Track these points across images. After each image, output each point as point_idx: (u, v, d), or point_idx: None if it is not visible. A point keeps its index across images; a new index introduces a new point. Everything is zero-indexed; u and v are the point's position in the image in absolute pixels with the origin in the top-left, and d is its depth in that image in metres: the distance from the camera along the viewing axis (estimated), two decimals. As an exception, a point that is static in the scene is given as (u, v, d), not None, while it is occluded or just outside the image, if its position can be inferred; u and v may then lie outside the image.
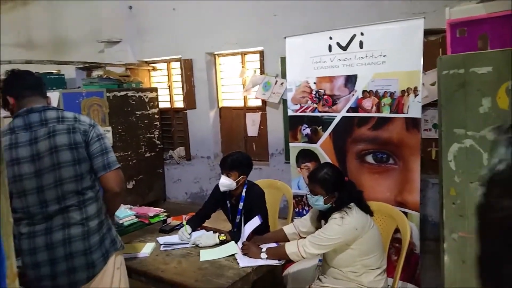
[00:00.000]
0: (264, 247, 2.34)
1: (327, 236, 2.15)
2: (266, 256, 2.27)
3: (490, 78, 1.87)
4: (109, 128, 4.86)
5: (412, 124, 2.62)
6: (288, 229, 2.54)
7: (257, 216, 2.52)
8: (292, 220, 3.16)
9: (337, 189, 2.24)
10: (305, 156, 3.20)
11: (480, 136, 1.91)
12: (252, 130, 5.44)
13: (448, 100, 1.98)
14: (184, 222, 2.70)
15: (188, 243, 2.53)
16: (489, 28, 2.10)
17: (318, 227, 2.44)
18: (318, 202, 2.26)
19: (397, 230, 2.58)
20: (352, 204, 2.23)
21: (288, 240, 2.49)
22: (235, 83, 5.60)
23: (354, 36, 2.79)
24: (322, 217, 2.36)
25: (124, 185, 1.88)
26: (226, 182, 2.64)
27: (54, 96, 4.33)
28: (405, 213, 2.59)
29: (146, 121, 5.67)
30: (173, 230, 2.80)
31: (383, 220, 2.62)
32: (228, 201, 2.78)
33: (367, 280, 2.22)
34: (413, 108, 2.59)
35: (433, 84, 4.05)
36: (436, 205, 4.14)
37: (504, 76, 1.84)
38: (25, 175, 1.67)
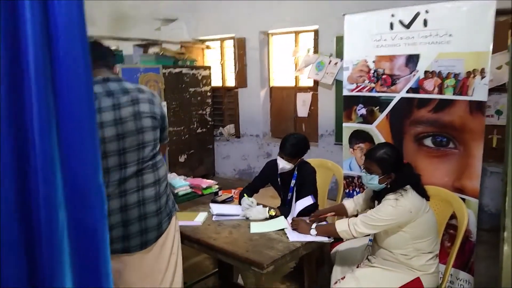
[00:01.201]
0: (314, 224, 2.35)
1: (380, 216, 2.12)
2: (316, 232, 2.29)
3: None
4: (164, 103, 5.03)
5: (477, 107, 2.49)
6: (349, 203, 2.55)
7: (310, 196, 2.53)
8: (342, 202, 3.16)
9: (394, 170, 2.19)
10: (359, 137, 3.14)
11: (553, 122, 1.80)
12: (302, 110, 5.41)
13: (520, 82, 1.87)
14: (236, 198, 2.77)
15: (238, 215, 2.59)
16: None
17: (371, 207, 2.41)
18: (373, 181, 2.22)
19: (452, 217, 2.50)
20: (408, 186, 2.17)
21: (348, 215, 2.52)
22: (287, 62, 5.57)
23: (418, 14, 2.67)
24: (376, 198, 2.34)
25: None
26: (286, 167, 2.65)
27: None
28: (463, 200, 2.49)
29: (198, 98, 5.79)
30: (224, 202, 2.88)
31: (440, 205, 2.54)
32: (279, 178, 2.81)
33: (418, 263, 2.17)
34: (479, 91, 2.46)
35: (499, 68, 3.82)
36: (493, 195, 3.95)
37: None
38: (108, 138, 1.73)
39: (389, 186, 2.22)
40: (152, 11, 6.36)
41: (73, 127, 0.78)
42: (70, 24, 0.75)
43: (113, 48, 5.46)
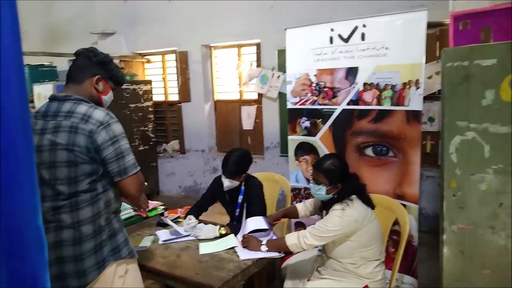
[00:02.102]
0: (264, 239, 2.33)
1: (328, 227, 2.15)
2: (267, 248, 2.26)
3: (494, 71, 1.87)
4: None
5: (413, 116, 2.61)
6: (300, 205, 2.61)
7: (262, 218, 2.48)
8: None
9: (341, 181, 2.23)
10: (304, 149, 3.18)
11: (483, 129, 1.92)
12: (247, 123, 5.42)
13: (452, 93, 1.98)
14: (182, 218, 2.68)
15: (188, 235, 2.50)
16: (492, 21, 2.10)
17: (319, 214, 2.45)
18: (320, 191, 2.25)
19: (395, 223, 2.59)
20: (354, 196, 2.22)
21: (298, 216, 2.57)
22: (230, 76, 5.56)
23: (356, 28, 2.77)
24: (323, 208, 2.36)
25: (143, 187, 1.74)
26: (230, 184, 2.62)
27: (47, 88, 4.25)
28: (404, 206, 2.59)
29: (140, 114, 5.61)
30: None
31: (382, 212, 2.61)
32: (227, 194, 2.76)
33: (365, 271, 2.22)
34: (414, 101, 2.58)
35: (429, 78, 4.06)
36: (430, 198, 4.17)
37: (508, 68, 1.84)
38: None
39: (336, 196, 2.25)
40: (88, 25, 6.10)
41: (7, 160, 0.68)
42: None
43: (46, 63, 5.20)
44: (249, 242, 2.31)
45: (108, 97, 1.80)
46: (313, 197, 2.55)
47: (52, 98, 1.68)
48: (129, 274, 1.76)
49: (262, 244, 2.27)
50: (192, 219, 2.59)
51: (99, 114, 1.61)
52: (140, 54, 6.16)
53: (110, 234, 1.70)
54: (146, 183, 2.01)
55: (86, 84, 1.71)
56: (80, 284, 1.63)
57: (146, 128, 5.74)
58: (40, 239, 0.72)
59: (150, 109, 5.79)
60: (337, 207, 2.19)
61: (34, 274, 0.70)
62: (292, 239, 2.22)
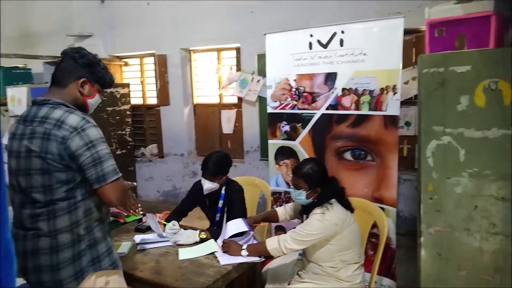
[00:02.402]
0: (245, 244, 2.32)
1: (308, 231, 2.16)
2: (247, 253, 2.25)
3: (468, 77, 1.93)
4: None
5: (391, 121, 2.66)
6: (280, 210, 2.60)
7: (242, 219, 2.48)
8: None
9: (320, 185, 2.25)
10: (284, 153, 3.20)
11: (458, 133, 1.97)
12: (227, 127, 5.41)
13: (428, 98, 2.03)
14: (164, 222, 2.63)
15: (168, 241, 2.47)
16: (467, 29, 2.16)
17: (299, 218, 2.46)
18: (300, 196, 2.26)
19: (373, 226, 2.62)
20: (333, 200, 2.24)
21: (278, 219, 2.57)
22: (210, 79, 5.55)
23: (334, 34, 2.81)
24: (304, 212, 2.37)
25: (124, 196, 1.63)
26: (211, 187, 2.60)
27: (21, 91, 4.14)
28: (382, 209, 2.63)
29: (117, 117, 5.53)
30: (149, 229, 2.73)
31: (361, 215, 2.65)
32: (207, 199, 2.74)
33: (345, 274, 2.24)
34: (392, 106, 2.64)
35: (406, 83, 4.15)
36: (407, 201, 4.24)
37: (482, 75, 1.90)
38: (12, 170, 1.55)
39: (315, 200, 2.27)
40: (64, 27, 5.99)
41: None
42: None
43: (20, 66, 5.07)
44: (229, 247, 2.30)
45: (94, 101, 1.73)
46: (293, 201, 2.56)
47: (33, 103, 1.63)
48: (110, 286, 1.68)
49: (243, 249, 2.26)
50: (176, 225, 2.56)
51: (73, 119, 1.54)
52: (117, 57, 6.07)
53: (90, 244, 1.63)
54: (135, 183, 1.98)
55: (71, 88, 1.65)
56: None
57: (123, 132, 5.65)
58: (8, 253, 0.69)
59: (128, 112, 5.70)
60: (317, 211, 2.21)
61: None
62: (272, 243, 2.22)
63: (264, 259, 2.33)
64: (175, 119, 5.67)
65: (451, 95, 1.97)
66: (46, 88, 4.55)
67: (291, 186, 2.32)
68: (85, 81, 1.66)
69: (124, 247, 2.40)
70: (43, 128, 1.53)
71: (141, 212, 2.87)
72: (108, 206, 1.65)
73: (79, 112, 1.61)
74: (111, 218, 2.73)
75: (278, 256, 2.35)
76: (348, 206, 2.29)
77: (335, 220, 2.17)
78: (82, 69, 1.65)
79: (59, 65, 1.67)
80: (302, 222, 2.39)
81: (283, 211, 2.60)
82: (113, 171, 1.57)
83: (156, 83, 5.75)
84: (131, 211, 1.98)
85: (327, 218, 2.16)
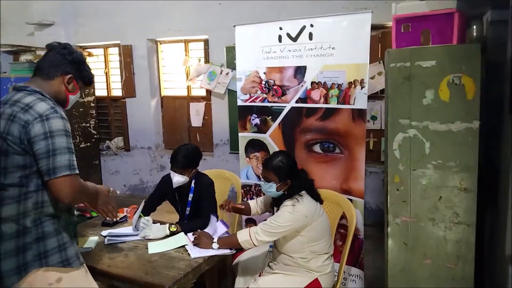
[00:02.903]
0: (216, 237, 2.31)
1: (279, 223, 2.18)
2: (218, 246, 2.25)
3: (433, 72, 1.98)
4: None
5: (358, 115, 2.71)
6: (253, 204, 2.62)
7: (220, 222, 2.47)
8: (240, 211, 3.17)
9: (290, 177, 2.27)
10: (254, 146, 3.20)
11: (423, 126, 2.03)
12: (196, 120, 5.35)
13: (395, 92, 2.08)
14: (139, 212, 2.56)
15: (136, 235, 2.42)
16: (431, 25, 2.22)
17: (270, 211, 2.47)
18: (271, 189, 2.28)
19: (342, 217, 2.68)
20: (303, 192, 2.27)
21: (250, 212, 2.60)
22: (178, 71, 5.46)
23: (304, 27, 2.82)
24: (274, 204, 2.39)
25: (76, 194, 1.55)
26: (180, 180, 2.57)
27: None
28: (350, 200, 2.69)
29: (81, 109, 5.37)
30: (117, 223, 2.68)
31: (330, 207, 2.70)
32: (176, 193, 2.71)
33: (315, 265, 2.28)
34: (359, 100, 2.68)
35: (372, 78, 4.25)
36: (373, 193, 4.36)
37: (446, 69, 1.96)
38: None
39: (286, 192, 2.29)
40: (23, 15, 5.70)
41: None
42: None
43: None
44: (200, 239, 2.29)
45: (75, 97, 1.78)
46: (264, 194, 2.57)
47: (13, 88, 1.65)
48: (63, 283, 1.62)
49: (214, 242, 2.26)
50: (150, 221, 2.51)
51: (41, 106, 1.54)
52: (81, 47, 5.86)
53: (38, 238, 1.57)
54: (118, 192, 1.93)
55: (56, 81, 1.69)
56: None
57: (87, 124, 5.49)
58: None
59: (92, 104, 5.55)
60: (287, 203, 2.23)
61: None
62: (243, 235, 2.22)
63: (235, 252, 2.33)
64: (141, 112, 5.55)
65: (417, 89, 2.02)
66: (6, 78, 4.32)
67: (262, 179, 2.33)
68: (71, 77, 1.72)
69: (90, 242, 2.34)
70: (11, 110, 1.53)
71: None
72: (62, 201, 1.56)
73: (51, 102, 1.60)
74: (76, 212, 2.66)
75: (249, 248, 2.36)
76: (317, 198, 2.32)
77: (305, 212, 2.19)
78: (70, 65, 1.71)
79: (45, 58, 1.71)
80: (273, 214, 2.41)
81: (255, 205, 2.61)
82: (66, 166, 1.51)
83: (121, 75, 5.60)
84: (108, 217, 1.93)
85: (297, 210, 2.18)
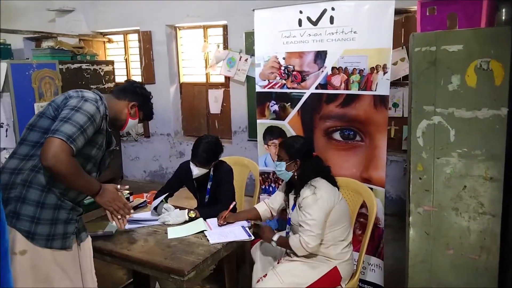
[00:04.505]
0: (277, 235, 2.30)
1: (314, 220, 2.14)
2: (276, 244, 2.27)
3: (460, 56, 1.91)
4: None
5: (380, 101, 2.64)
6: (260, 207, 2.55)
7: (243, 228, 2.40)
8: (259, 197, 3.17)
9: (301, 158, 2.27)
10: (273, 133, 3.17)
11: (448, 113, 1.97)
12: (214, 107, 5.34)
13: (419, 77, 2.02)
14: (162, 198, 2.58)
15: (156, 221, 2.45)
16: (458, 8, 2.14)
17: (285, 200, 2.45)
18: (281, 167, 2.31)
19: (362, 206, 2.64)
20: (318, 178, 2.25)
21: (261, 218, 2.54)
22: (196, 58, 5.44)
23: (325, 10, 2.75)
24: (288, 191, 2.41)
25: (58, 162, 1.55)
26: (200, 173, 2.56)
27: (1, 67, 3.99)
28: (371, 189, 2.64)
29: (102, 96, 5.40)
30: (137, 208, 2.71)
31: (350, 195, 2.66)
32: (195, 181, 2.71)
33: (334, 252, 2.26)
34: (382, 86, 2.61)
35: (394, 64, 4.14)
36: (393, 182, 4.29)
37: (473, 54, 1.88)
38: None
39: (296, 175, 2.29)
40: (44, 2, 5.76)
41: None
42: None
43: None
44: (263, 232, 2.32)
45: (133, 122, 2.02)
46: (277, 187, 2.56)
47: None
48: (25, 257, 1.63)
49: (273, 240, 2.27)
50: (171, 208, 2.53)
51: (88, 93, 1.76)
52: (101, 33, 5.90)
53: (19, 197, 1.63)
54: (127, 187, 1.93)
55: (122, 103, 1.95)
56: None
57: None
58: (5, 252, 0.65)
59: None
60: (306, 193, 2.20)
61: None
62: (295, 243, 2.19)
63: (253, 238, 2.33)
64: (161, 98, 5.56)
65: (443, 75, 1.96)
66: (27, 64, 4.38)
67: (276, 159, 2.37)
68: (135, 104, 1.98)
69: (111, 226, 2.36)
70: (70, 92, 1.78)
71: (127, 192, 2.82)
72: (42, 160, 1.57)
73: (98, 96, 1.79)
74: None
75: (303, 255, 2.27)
76: (334, 184, 2.30)
77: (326, 195, 2.19)
78: (137, 96, 1.99)
79: (122, 85, 2.03)
80: (286, 206, 2.40)
81: (263, 206, 2.54)
82: (66, 134, 1.57)
83: (141, 61, 5.62)
84: (116, 217, 1.88)
85: (319, 196, 2.18)
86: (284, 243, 2.27)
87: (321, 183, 2.23)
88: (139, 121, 2.07)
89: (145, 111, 2.07)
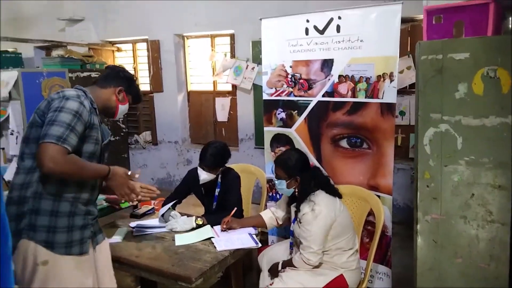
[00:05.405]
0: (280, 262, 2.34)
1: (313, 236, 2.16)
2: (282, 269, 2.29)
3: (466, 64, 1.91)
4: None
5: (387, 109, 2.65)
6: (266, 214, 2.56)
7: (249, 235, 2.41)
8: (266, 205, 3.17)
9: (299, 174, 2.26)
10: (280, 140, 3.18)
11: (455, 121, 1.97)
12: (221, 114, 5.37)
13: (426, 85, 2.02)
14: (169, 206, 2.61)
15: (163, 227, 2.46)
16: (464, 16, 2.14)
17: (288, 211, 2.46)
18: (281, 185, 2.30)
19: (369, 213, 2.63)
20: (318, 191, 2.25)
21: (266, 226, 2.54)
22: (204, 66, 5.49)
23: (331, 19, 2.77)
24: (290, 203, 2.41)
25: (55, 165, 1.56)
26: (207, 178, 2.58)
27: (12, 75, 4.06)
28: (378, 197, 2.64)
29: (110, 104, 5.45)
30: (144, 215, 2.73)
31: (357, 203, 2.66)
32: (202, 188, 2.72)
33: (340, 261, 2.25)
34: (388, 93, 2.62)
35: (401, 72, 4.14)
36: (401, 190, 4.27)
37: (480, 62, 1.88)
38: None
39: (297, 190, 2.28)
40: (54, 11, 5.86)
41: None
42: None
43: (10, 50, 4.98)
44: (273, 270, 2.37)
45: (124, 107, 1.97)
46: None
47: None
48: (47, 268, 1.64)
49: (279, 271, 2.30)
50: (178, 215, 2.54)
51: (69, 91, 1.72)
52: (110, 42, 5.98)
53: (32, 210, 1.65)
54: (136, 175, 1.94)
55: (109, 90, 1.90)
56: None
57: (117, 119, 5.59)
58: (3, 229, 0.66)
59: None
60: (305, 209, 2.21)
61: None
62: (300, 264, 2.21)
63: (260, 245, 2.33)
64: (168, 106, 5.62)
65: (449, 82, 1.96)
66: (39, 73, 4.44)
67: (275, 177, 2.34)
68: (122, 89, 1.93)
69: (119, 233, 2.39)
70: (52, 95, 1.74)
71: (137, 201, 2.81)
72: (41, 168, 1.59)
73: (80, 91, 1.76)
74: (105, 204, 2.73)
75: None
76: (335, 193, 2.30)
77: (325, 210, 2.18)
78: (122, 80, 1.94)
79: (103, 73, 1.98)
80: (290, 215, 2.41)
81: (269, 214, 2.55)
82: (55, 136, 1.57)
83: (149, 69, 5.68)
84: (124, 200, 1.96)
85: (318, 212, 2.17)
86: (289, 264, 2.29)
87: (320, 198, 2.23)
88: (129, 104, 2.01)
89: (133, 93, 2.01)
